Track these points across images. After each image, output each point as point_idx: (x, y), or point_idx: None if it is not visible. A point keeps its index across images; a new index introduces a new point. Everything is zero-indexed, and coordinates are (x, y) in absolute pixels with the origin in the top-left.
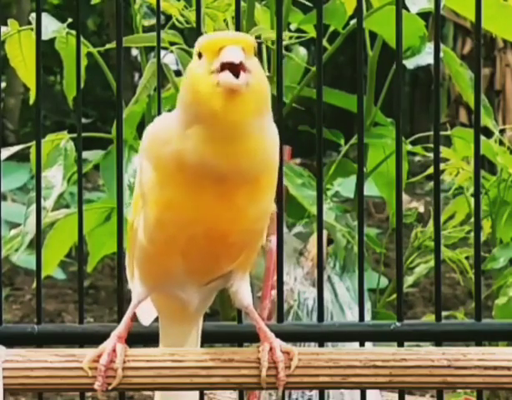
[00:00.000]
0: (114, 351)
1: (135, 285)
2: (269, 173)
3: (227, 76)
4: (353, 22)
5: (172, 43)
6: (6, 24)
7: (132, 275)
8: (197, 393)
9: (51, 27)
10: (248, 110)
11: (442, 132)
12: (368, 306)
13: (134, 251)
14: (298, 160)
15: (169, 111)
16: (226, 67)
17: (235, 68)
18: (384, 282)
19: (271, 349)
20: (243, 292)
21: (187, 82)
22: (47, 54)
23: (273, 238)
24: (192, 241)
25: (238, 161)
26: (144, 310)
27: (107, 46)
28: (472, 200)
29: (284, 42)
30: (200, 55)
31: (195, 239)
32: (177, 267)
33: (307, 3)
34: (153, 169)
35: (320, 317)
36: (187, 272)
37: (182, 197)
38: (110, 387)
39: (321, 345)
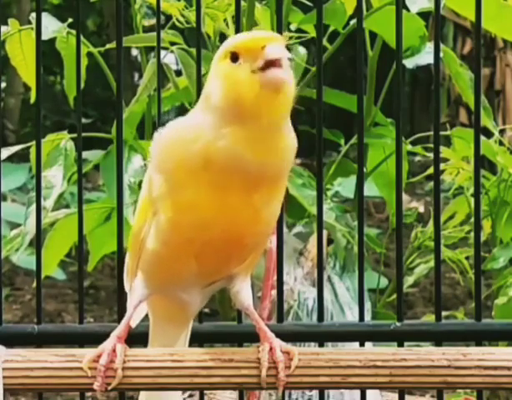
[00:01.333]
0: (114, 351)
1: (137, 286)
2: (286, 174)
3: (276, 72)
4: (353, 22)
5: (172, 43)
6: (6, 24)
7: (131, 279)
8: (179, 393)
9: (51, 26)
10: (285, 109)
11: (442, 132)
12: (368, 306)
13: (137, 255)
14: (298, 160)
15: (169, 111)
16: (270, 64)
17: (277, 66)
18: (384, 282)
19: (271, 349)
20: (243, 293)
21: (222, 83)
22: (47, 54)
23: (273, 238)
24: (207, 243)
25: (267, 159)
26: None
27: (107, 46)
28: (472, 200)
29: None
30: (234, 56)
31: (211, 241)
32: (189, 269)
33: (307, 3)
34: (173, 171)
35: (320, 317)
36: (197, 275)
37: (202, 198)
38: (110, 388)
39: (321, 345)
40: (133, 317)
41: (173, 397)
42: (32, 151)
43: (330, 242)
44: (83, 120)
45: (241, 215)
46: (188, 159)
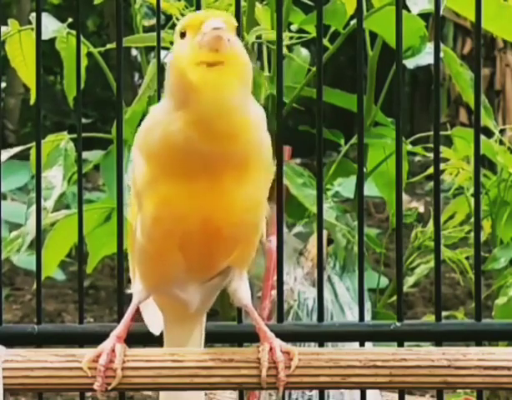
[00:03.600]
0: (113, 351)
1: (135, 285)
2: (257, 156)
3: (214, 32)
4: (353, 22)
5: (172, 43)
6: (6, 24)
7: (134, 276)
8: (202, 394)
9: (51, 26)
10: (230, 84)
11: (442, 132)
12: (368, 306)
13: (134, 252)
14: (298, 160)
15: None
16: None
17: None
18: (384, 282)
19: (271, 349)
20: (241, 291)
21: (171, 62)
22: (47, 54)
23: (273, 238)
24: (188, 235)
25: (222, 142)
26: (152, 317)
27: (108, 46)
28: (472, 200)
29: (285, 43)
30: (183, 35)
31: (191, 233)
32: (176, 264)
33: (308, 2)
34: (146, 164)
35: (320, 317)
36: (185, 270)
37: (174, 189)
38: (110, 388)
39: (321, 345)
40: (153, 324)
41: (194, 397)
42: (33, 151)
43: (330, 242)
44: (83, 120)
45: (213, 202)
46: (153, 149)
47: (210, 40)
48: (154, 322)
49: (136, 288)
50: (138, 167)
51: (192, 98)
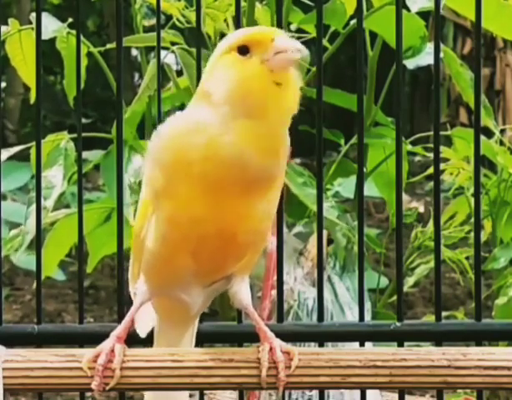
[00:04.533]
0: (113, 351)
1: (139, 287)
2: (283, 175)
3: (285, 54)
4: (353, 22)
5: (173, 43)
6: (6, 24)
7: (134, 279)
8: (187, 394)
9: (51, 26)
10: (292, 105)
11: (442, 132)
12: (368, 306)
13: (140, 256)
14: (298, 160)
15: (169, 111)
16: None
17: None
18: (384, 282)
19: (271, 349)
20: (242, 293)
21: (230, 76)
22: (47, 54)
23: (273, 238)
24: (203, 240)
25: (268, 158)
26: (142, 320)
27: (108, 46)
28: (472, 200)
29: None
30: (243, 49)
31: (206, 238)
32: (185, 267)
33: (308, 2)
34: (171, 164)
35: (320, 317)
36: (193, 274)
37: (197, 193)
38: (108, 388)
39: (321, 345)
40: (142, 326)
41: (180, 397)
42: (33, 151)
43: (330, 242)
44: (83, 120)
45: (234, 211)
46: (188, 152)
47: (284, 63)
48: (143, 324)
49: (139, 289)
50: (161, 168)
51: (257, 111)
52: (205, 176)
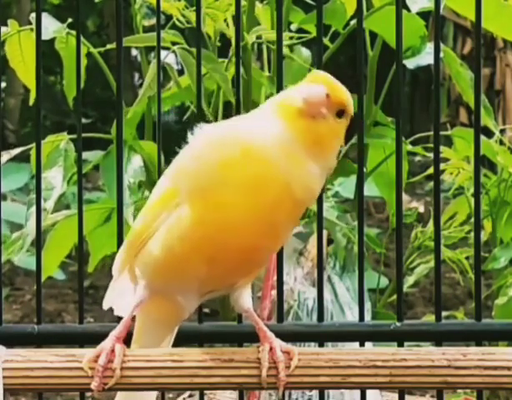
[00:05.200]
0: (113, 351)
1: (138, 287)
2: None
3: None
4: (353, 22)
5: (173, 43)
6: (6, 24)
7: (119, 273)
8: (154, 394)
9: (51, 27)
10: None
11: (442, 132)
12: (368, 306)
13: (135, 252)
14: None
15: (169, 111)
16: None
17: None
18: (384, 282)
19: (271, 349)
20: (243, 298)
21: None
22: (47, 54)
23: None
24: (222, 249)
25: (312, 185)
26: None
27: (108, 46)
28: (472, 200)
29: (285, 43)
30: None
31: (226, 248)
32: (197, 274)
33: (308, 2)
34: (217, 165)
35: (320, 317)
36: (203, 281)
37: (236, 200)
38: (107, 387)
39: (321, 345)
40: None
41: (147, 397)
42: (33, 152)
43: (330, 242)
44: (83, 120)
45: (262, 228)
46: (242, 159)
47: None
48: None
49: (138, 290)
50: (196, 167)
51: (324, 163)
52: (247, 184)
